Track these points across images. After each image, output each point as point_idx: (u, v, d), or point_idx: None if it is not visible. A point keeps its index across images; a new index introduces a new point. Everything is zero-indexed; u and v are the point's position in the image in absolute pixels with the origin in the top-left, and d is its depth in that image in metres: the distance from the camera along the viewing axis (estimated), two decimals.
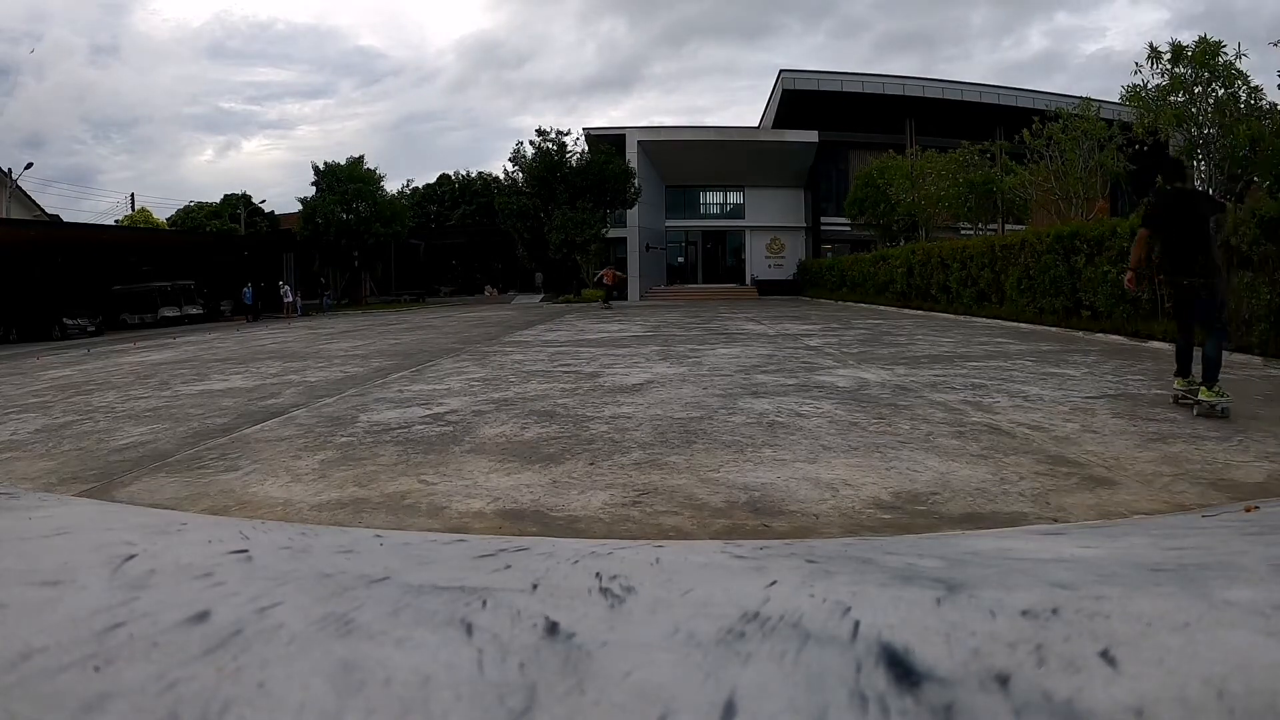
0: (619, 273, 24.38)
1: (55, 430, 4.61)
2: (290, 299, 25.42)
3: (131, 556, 1.05)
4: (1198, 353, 4.12)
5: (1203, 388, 3.85)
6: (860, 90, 30.59)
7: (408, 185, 39.22)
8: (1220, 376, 3.86)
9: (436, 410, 4.68)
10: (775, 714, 0.60)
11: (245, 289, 25.13)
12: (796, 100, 30.39)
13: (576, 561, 1.02)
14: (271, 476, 3.23)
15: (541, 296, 30.15)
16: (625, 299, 28.03)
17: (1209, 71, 10.89)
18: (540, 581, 0.93)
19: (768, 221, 33.24)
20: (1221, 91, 10.99)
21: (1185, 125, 11.30)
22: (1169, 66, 11.19)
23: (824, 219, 31.92)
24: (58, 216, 27.27)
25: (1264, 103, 10.95)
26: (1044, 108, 17.07)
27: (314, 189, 31.41)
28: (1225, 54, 10.83)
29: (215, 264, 27.32)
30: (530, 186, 27.65)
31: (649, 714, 0.60)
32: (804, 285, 28.91)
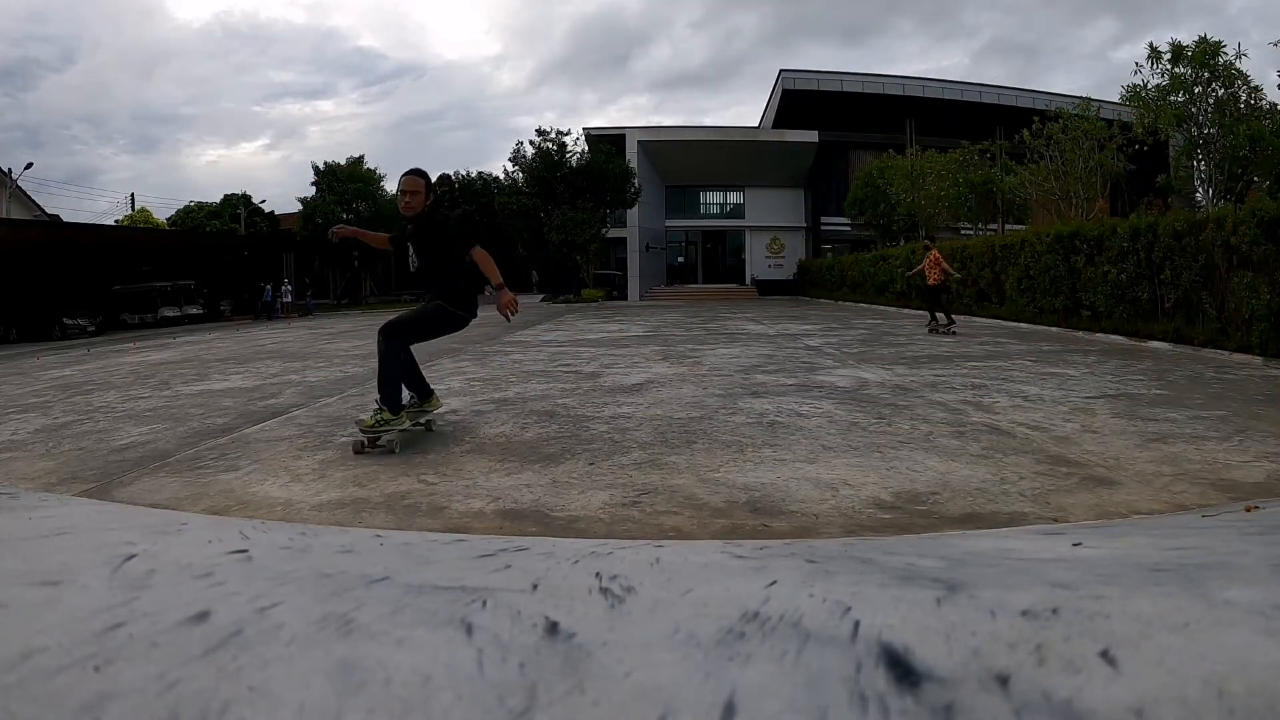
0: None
1: (55, 430, 4.61)
2: (289, 299, 25.50)
3: (131, 556, 1.05)
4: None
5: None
6: (860, 90, 30.62)
7: None
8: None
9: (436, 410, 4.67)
10: (775, 714, 0.60)
11: (266, 287, 25.51)
12: (796, 100, 30.42)
13: (576, 561, 1.02)
14: (271, 476, 3.23)
15: (541, 296, 30.15)
16: (625, 299, 28.04)
17: (1209, 71, 10.90)
18: (540, 581, 0.93)
19: (768, 221, 33.25)
20: (1221, 91, 10.99)
21: (1185, 125, 11.31)
22: (1169, 66, 11.19)
23: (824, 219, 31.94)
24: (58, 216, 27.27)
25: (1264, 103, 10.96)
26: (1044, 108, 17.09)
27: (314, 189, 31.43)
28: (1225, 54, 10.84)
29: (215, 264, 27.32)
30: (530, 186, 27.67)
31: (649, 714, 0.60)
32: (804, 285, 28.92)
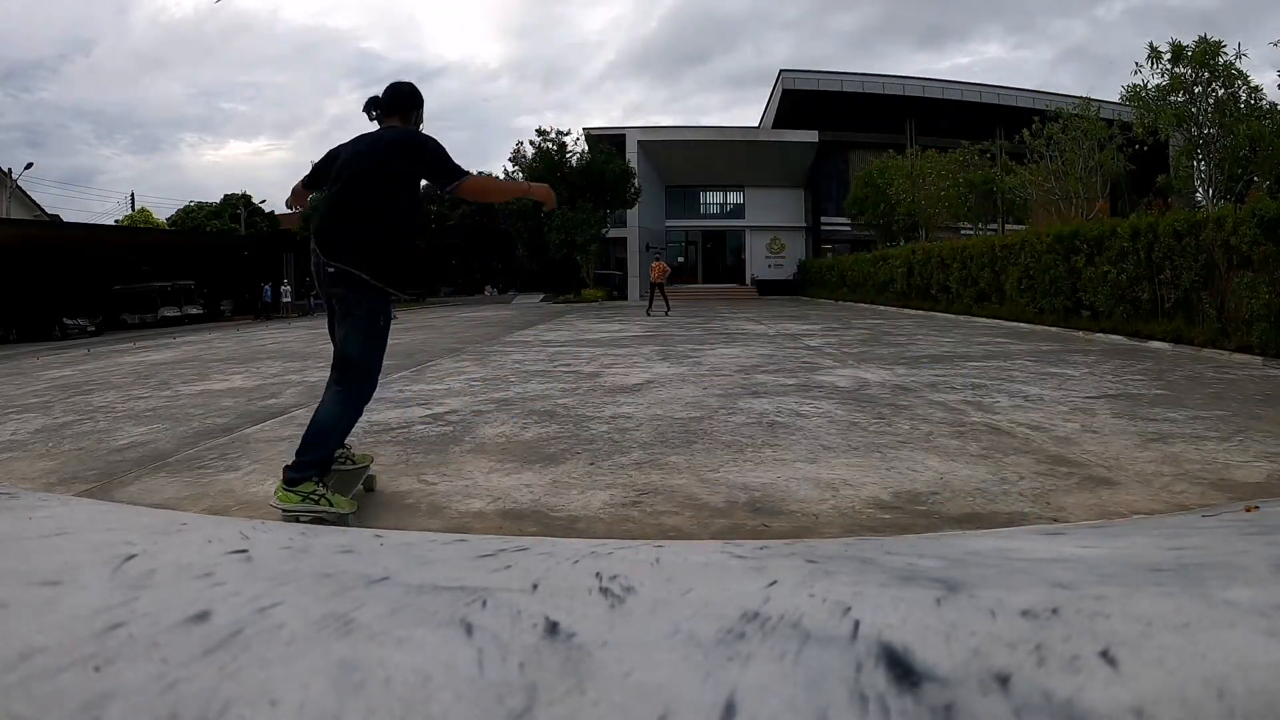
0: (667, 266, 17.79)
1: (55, 430, 4.61)
2: (288, 299, 25.56)
3: (131, 556, 1.05)
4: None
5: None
6: (860, 90, 30.59)
7: None
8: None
9: (436, 410, 4.68)
10: (775, 714, 0.60)
11: (265, 287, 25.90)
12: (796, 100, 30.40)
13: (576, 561, 1.02)
14: (272, 476, 3.23)
15: (541, 296, 30.15)
16: (625, 299, 28.03)
17: (1209, 71, 10.89)
18: (540, 581, 0.93)
19: (768, 221, 33.25)
20: (1221, 91, 10.99)
21: (1185, 125, 11.30)
22: (1169, 66, 11.19)
23: (824, 219, 31.94)
24: (58, 216, 27.29)
25: (1264, 103, 10.95)
26: (1044, 108, 17.08)
27: None
28: (1225, 54, 10.83)
29: (215, 264, 27.35)
30: None
31: (649, 714, 0.60)
32: (804, 285, 28.92)
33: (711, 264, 35.14)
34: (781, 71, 31.42)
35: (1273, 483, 2.68)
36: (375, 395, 2.95)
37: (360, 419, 4.63)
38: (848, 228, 28.44)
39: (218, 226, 33.44)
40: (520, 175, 28.41)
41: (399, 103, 2.74)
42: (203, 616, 0.82)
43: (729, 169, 31.71)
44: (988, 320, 11.45)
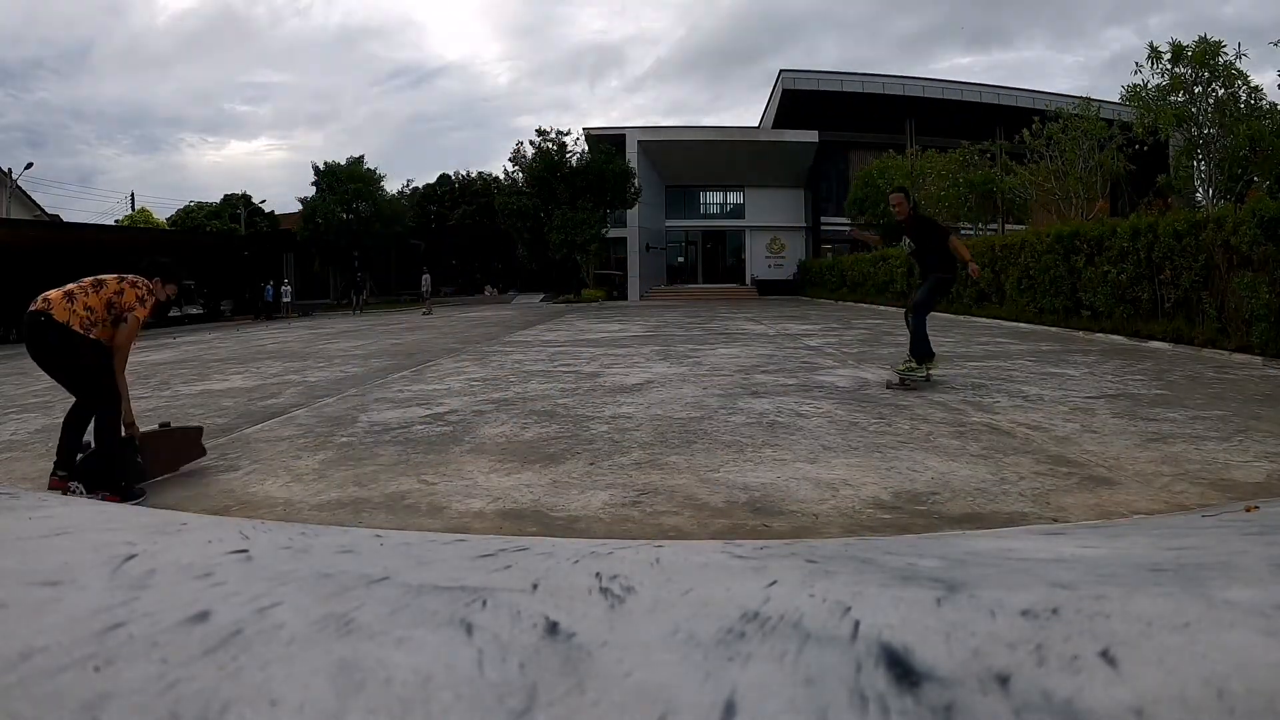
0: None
1: (55, 430, 4.61)
2: (289, 299, 25.59)
3: (131, 556, 1.05)
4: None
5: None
6: (860, 90, 30.60)
7: (408, 185, 39.23)
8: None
9: (436, 410, 4.68)
10: (775, 714, 0.60)
11: (266, 287, 26.09)
12: (796, 100, 30.40)
13: (576, 561, 1.02)
14: (272, 476, 3.23)
15: (541, 297, 30.16)
16: (625, 299, 28.03)
17: (1209, 71, 10.88)
18: (540, 581, 0.93)
19: (768, 221, 33.23)
20: (1221, 91, 10.98)
21: (1185, 125, 11.29)
22: (1169, 66, 11.18)
23: (824, 219, 31.92)
24: (58, 216, 27.30)
25: (1264, 103, 10.94)
26: (1044, 108, 17.08)
27: (314, 189, 31.43)
28: (1225, 54, 10.82)
29: (215, 264, 27.37)
30: (530, 186, 27.65)
31: (649, 714, 0.60)
32: (804, 285, 28.91)
33: (711, 264, 35.12)
34: (781, 71, 31.41)
35: (1273, 483, 2.68)
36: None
37: (361, 419, 4.64)
38: (848, 228, 28.43)
39: (218, 226, 33.41)
40: (520, 175, 28.42)
41: None
42: (203, 616, 0.82)
43: (729, 169, 31.70)
44: (988, 320, 11.45)
